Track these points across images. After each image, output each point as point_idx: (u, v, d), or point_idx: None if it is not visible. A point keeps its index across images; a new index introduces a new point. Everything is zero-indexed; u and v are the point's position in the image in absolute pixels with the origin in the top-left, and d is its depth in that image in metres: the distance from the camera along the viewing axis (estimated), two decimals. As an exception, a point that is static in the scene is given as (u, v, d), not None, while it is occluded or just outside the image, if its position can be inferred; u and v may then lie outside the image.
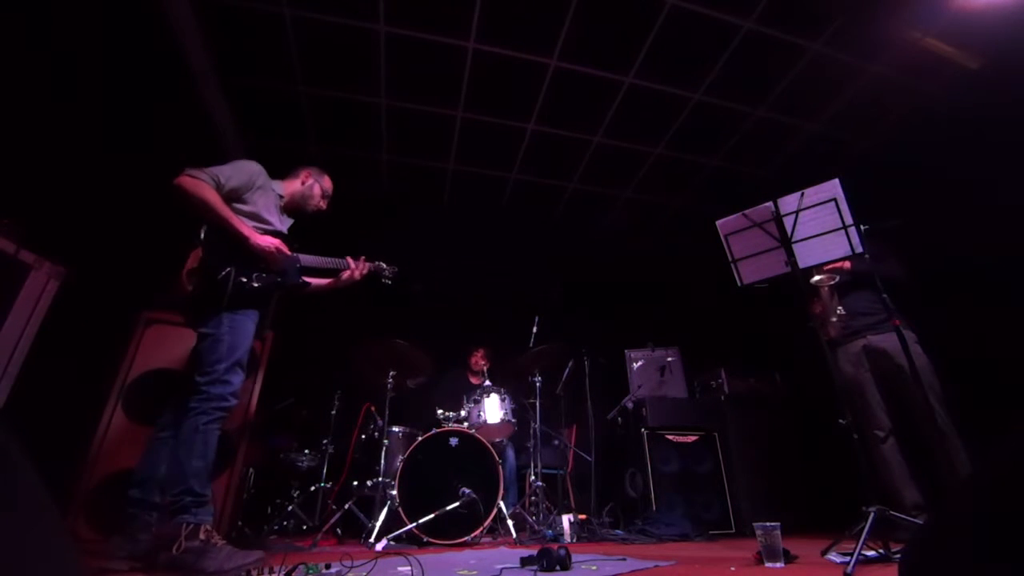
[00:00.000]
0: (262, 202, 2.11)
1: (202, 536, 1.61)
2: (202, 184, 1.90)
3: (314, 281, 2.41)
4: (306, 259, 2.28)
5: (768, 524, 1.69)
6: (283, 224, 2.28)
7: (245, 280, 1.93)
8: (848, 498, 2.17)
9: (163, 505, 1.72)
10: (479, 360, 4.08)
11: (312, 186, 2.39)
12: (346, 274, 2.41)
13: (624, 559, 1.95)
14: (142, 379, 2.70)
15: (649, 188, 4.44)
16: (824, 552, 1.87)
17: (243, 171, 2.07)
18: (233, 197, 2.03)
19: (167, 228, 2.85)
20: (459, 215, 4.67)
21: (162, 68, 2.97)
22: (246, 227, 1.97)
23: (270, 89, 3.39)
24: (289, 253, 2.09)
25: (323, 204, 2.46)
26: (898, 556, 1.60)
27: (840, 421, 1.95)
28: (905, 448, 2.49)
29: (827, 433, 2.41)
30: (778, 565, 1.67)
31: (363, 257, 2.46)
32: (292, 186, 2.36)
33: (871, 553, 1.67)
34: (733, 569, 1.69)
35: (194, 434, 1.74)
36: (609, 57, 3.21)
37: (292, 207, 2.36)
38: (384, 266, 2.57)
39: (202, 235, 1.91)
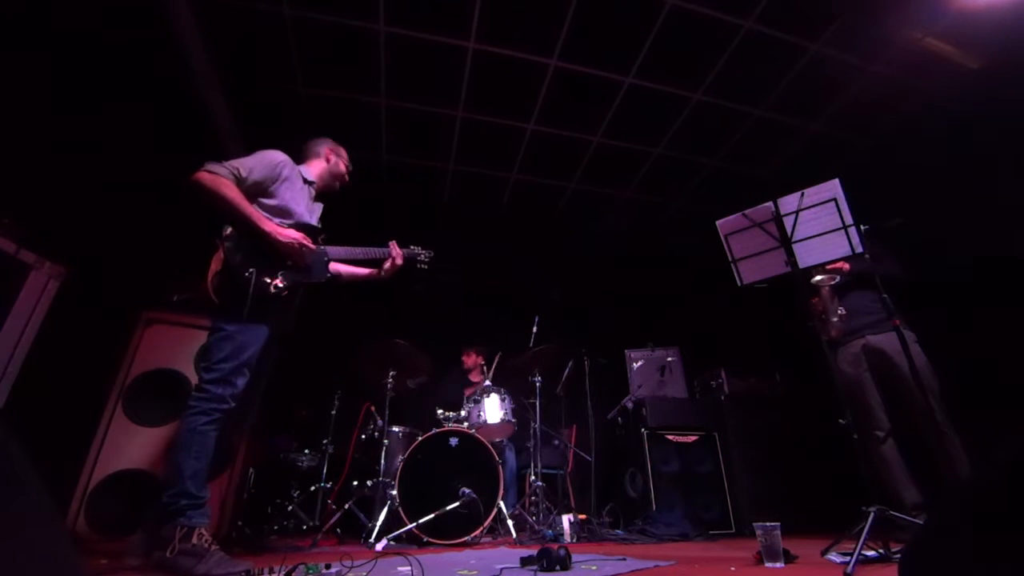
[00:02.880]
0: (288, 195, 2.05)
1: (195, 540, 1.60)
2: (221, 180, 1.82)
3: (345, 270, 2.35)
4: (334, 251, 2.21)
5: (768, 524, 1.69)
6: (312, 215, 2.21)
7: (269, 280, 1.88)
8: (848, 498, 2.17)
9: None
10: (472, 360, 4.08)
11: (337, 163, 2.35)
12: (388, 263, 2.35)
13: (624, 559, 1.95)
14: (142, 379, 2.70)
15: (649, 188, 4.44)
16: (824, 552, 1.87)
17: (266, 162, 2.00)
18: (257, 191, 1.97)
19: (167, 228, 2.86)
20: (459, 215, 4.67)
21: (162, 68, 2.97)
22: (269, 224, 1.90)
23: (270, 89, 3.39)
24: (314, 248, 2.02)
25: (347, 177, 2.41)
26: (898, 556, 1.60)
27: (840, 421, 1.95)
28: (905, 448, 2.49)
29: (827, 433, 2.41)
30: (778, 565, 1.67)
31: (393, 242, 2.40)
32: (318, 167, 2.30)
33: (871, 553, 1.67)
34: (733, 569, 1.69)
35: (192, 435, 1.71)
36: (609, 57, 3.21)
37: (323, 189, 2.31)
38: (419, 250, 2.50)
39: (224, 234, 1.86)
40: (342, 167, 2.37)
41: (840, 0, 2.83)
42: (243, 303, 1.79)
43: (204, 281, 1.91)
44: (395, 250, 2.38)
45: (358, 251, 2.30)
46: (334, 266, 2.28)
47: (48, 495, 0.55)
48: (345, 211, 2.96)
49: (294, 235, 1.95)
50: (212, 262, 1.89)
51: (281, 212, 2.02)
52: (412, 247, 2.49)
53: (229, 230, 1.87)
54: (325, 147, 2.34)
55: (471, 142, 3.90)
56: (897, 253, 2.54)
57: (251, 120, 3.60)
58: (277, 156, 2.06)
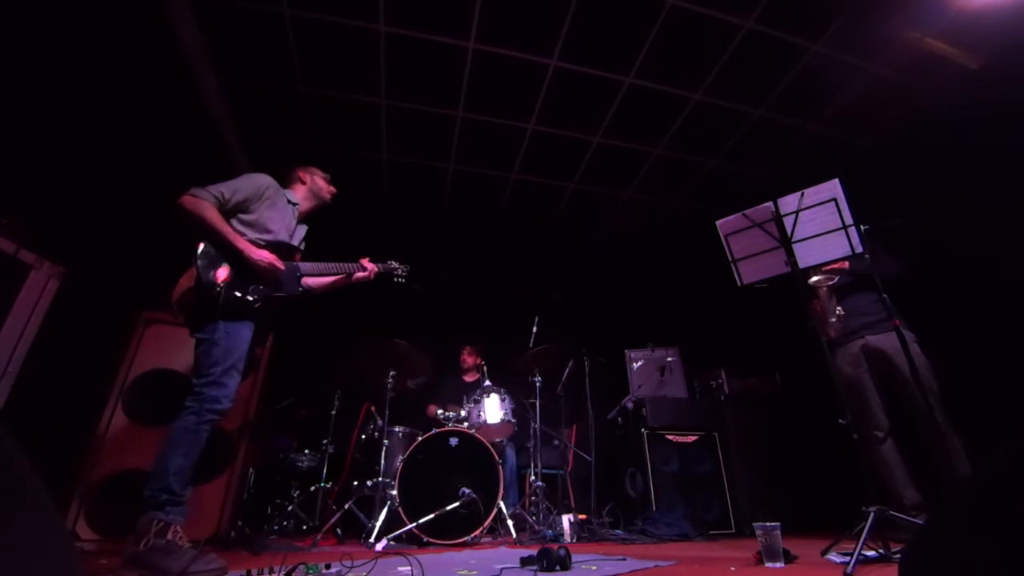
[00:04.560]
0: (268, 213, 2.16)
1: (169, 536, 1.62)
2: (203, 204, 1.94)
3: (316, 282, 2.42)
4: (307, 266, 2.29)
5: (768, 524, 1.69)
6: (294, 234, 2.31)
7: (240, 294, 1.97)
8: (848, 498, 2.17)
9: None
10: (467, 358, 4.08)
11: (314, 180, 2.45)
12: (359, 275, 2.45)
13: (624, 559, 1.95)
14: (142, 379, 2.70)
15: (649, 188, 4.44)
16: (824, 552, 1.87)
17: (251, 184, 2.12)
18: (239, 208, 2.08)
19: (167, 228, 2.86)
20: (459, 215, 4.67)
21: (162, 68, 2.97)
22: (243, 242, 2.00)
23: (270, 89, 3.39)
24: (283, 267, 2.10)
25: (332, 188, 2.51)
26: (898, 556, 1.60)
27: (840, 421, 1.95)
28: (904, 448, 2.49)
29: (827, 433, 2.40)
30: (778, 565, 1.67)
31: (366, 259, 2.49)
32: (300, 190, 2.41)
33: (871, 553, 1.67)
34: (733, 569, 1.69)
35: (184, 433, 1.77)
36: (609, 57, 3.21)
37: (310, 210, 2.43)
38: (396, 265, 2.59)
39: (198, 252, 1.95)
40: (320, 182, 2.47)
41: (840, 0, 2.83)
42: (215, 312, 1.89)
43: (170, 296, 1.97)
44: (367, 265, 2.48)
45: (331, 266, 2.40)
46: (309, 280, 2.37)
47: (48, 495, 0.55)
48: (345, 211, 2.96)
49: (265, 255, 2.04)
50: (182, 278, 1.99)
51: (257, 227, 2.12)
52: (390, 262, 2.58)
53: (201, 248, 1.96)
54: (297, 171, 2.46)
55: (471, 142, 3.90)
56: (897, 253, 2.54)
57: (251, 120, 3.60)
58: (264, 179, 2.19)
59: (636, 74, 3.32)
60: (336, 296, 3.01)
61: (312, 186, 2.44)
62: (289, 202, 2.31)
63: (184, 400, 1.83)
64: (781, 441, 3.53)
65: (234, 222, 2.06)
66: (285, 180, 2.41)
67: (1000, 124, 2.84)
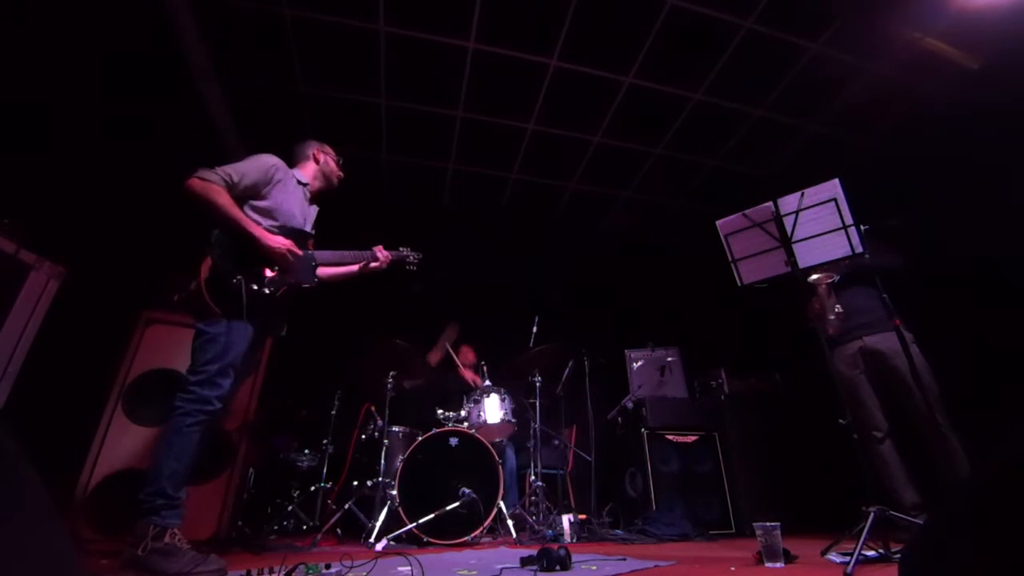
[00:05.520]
0: (280, 197, 2.07)
1: (167, 539, 1.61)
2: (211, 186, 1.87)
3: (330, 272, 2.34)
4: (322, 255, 2.22)
5: (768, 524, 1.69)
6: (306, 218, 2.24)
7: (257, 287, 1.90)
8: (848, 498, 2.17)
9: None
10: (467, 355, 4.06)
11: (326, 161, 2.38)
12: (373, 264, 2.36)
13: (624, 559, 1.95)
14: (142, 379, 2.70)
15: (649, 188, 4.44)
16: (824, 552, 1.87)
17: (259, 166, 2.03)
18: (250, 194, 2.00)
19: (167, 228, 2.86)
20: (459, 215, 4.67)
21: (162, 68, 2.97)
22: (258, 229, 1.92)
23: (270, 89, 3.39)
24: (301, 253, 2.03)
25: (341, 172, 2.45)
26: (898, 556, 1.60)
27: (840, 421, 1.95)
28: (904, 448, 2.49)
29: (827, 433, 2.41)
30: (778, 565, 1.67)
31: (379, 247, 2.41)
32: (310, 168, 2.33)
33: (871, 553, 1.67)
34: (733, 569, 1.69)
35: (175, 435, 1.72)
36: (609, 57, 3.21)
37: (319, 190, 2.35)
38: (407, 252, 2.51)
39: (212, 240, 1.88)
40: (332, 164, 2.40)
41: (840, 0, 2.83)
42: (229, 306, 1.82)
43: (198, 289, 1.90)
44: (380, 253, 2.40)
45: (346, 254, 2.32)
46: (321, 270, 2.30)
47: (48, 495, 0.55)
48: (345, 211, 2.97)
49: (282, 241, 1.97)
50: (202, 269, 1.91)
51: (272, 213, 2.04)
52: (401, 249, 2.50)
53: (216, 236, 1.90)
54: (311, 148, 2.37)
55: (471, 142, 3.90)
56: (897, 250, 2.53)
57: (251, 120, 3.60)
58: (270, 159, 2.09)
59: (636, 74, 3.32)
60: (336, 296, 3.01)
61: (324, 167, 2.35)
62: (299, 182, 2.22)
63: (175, 399, 1.76)
64: (781, 441, 3.53)
65: (247, 208, 1.98)
66: (295, 157, 2.33)
67: (1001, 124, 2.84)
